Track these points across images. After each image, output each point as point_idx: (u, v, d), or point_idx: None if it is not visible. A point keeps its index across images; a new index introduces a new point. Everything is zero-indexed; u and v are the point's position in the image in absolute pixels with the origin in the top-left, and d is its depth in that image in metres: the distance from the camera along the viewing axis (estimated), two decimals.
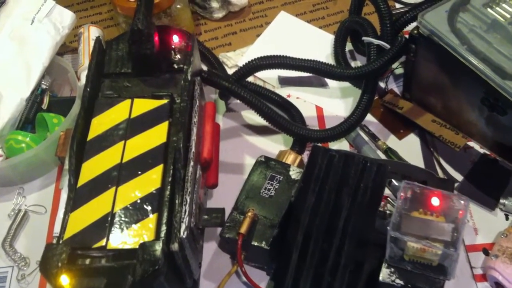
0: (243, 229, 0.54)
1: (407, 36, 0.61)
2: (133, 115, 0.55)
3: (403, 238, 0.45)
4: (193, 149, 0.53)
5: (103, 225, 0.47)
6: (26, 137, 0.66)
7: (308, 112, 0.68)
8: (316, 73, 0.64)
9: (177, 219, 0.48)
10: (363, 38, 0.65)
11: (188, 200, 0.49)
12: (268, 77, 0.73)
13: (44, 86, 0.71)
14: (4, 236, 0.63)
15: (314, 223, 0.52)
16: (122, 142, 0.53)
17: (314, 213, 0.53)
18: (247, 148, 0.68)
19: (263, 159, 0.60)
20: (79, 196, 0.49)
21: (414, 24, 0.62)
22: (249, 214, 0.55)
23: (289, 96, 0.71)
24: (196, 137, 0.54)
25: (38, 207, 0.65)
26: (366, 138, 0.65)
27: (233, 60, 0.76)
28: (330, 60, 0.74)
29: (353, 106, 0.69)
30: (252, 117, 0.70)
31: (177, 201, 0.49)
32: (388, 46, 0.62)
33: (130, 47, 0.57)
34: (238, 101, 0.67)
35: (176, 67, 0.59)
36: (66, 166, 0.54)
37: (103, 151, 0.52)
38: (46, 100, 0.70)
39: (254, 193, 0.57)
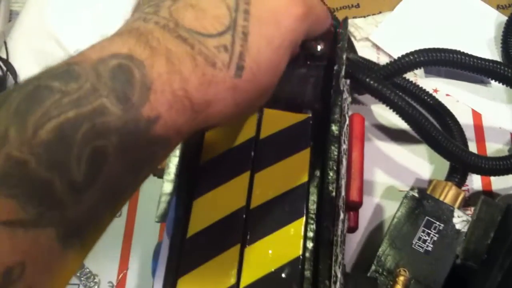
0: None
1: None
2: (263, 133, 0.39)
3: None
4: (343, 193, 0.38)
5: None
6: None
7: (461, 118, 0.51)
8: (497, 79, 0.47)
9: None
10: None
11: (339, 275, 0.36)
12: None
13: None
14: None
15: None
16: (248, 173, 0.38)
17: None
18: (376, 158, 0.52)
19: (417, 195, 0.45)
20: (190, 252, 0.36)
21: None
22: (401, 278, 0.41)
23: (436, 91, 0.55)
24: (346, 173, 0.39)
25: None
26: None
27: (364, 31, 0.58)
28: (493, 46, 0.57)
29: None
30: (384, 114, 0.54)
31: (321, 275, 0.35)
32: None
33: None
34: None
35: (316, 61, 0.42)
36: (165, 189, 0.40)
37: (222, 184, 0.38)
38: None
39: (403, 243, 0.43)
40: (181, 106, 0.24)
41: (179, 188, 0.38)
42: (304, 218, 0.36)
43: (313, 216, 0.37)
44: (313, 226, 0.37)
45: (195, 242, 0.36)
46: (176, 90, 0.24)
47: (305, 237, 0.36)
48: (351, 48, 0.54)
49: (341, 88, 0.40)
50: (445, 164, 0.49)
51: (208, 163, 0.38)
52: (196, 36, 0.25)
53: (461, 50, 0.47)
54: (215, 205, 0.37)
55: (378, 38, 0.58)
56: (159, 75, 0.24)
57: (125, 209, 0.52)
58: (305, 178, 0.38)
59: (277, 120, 0.40)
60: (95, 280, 0.49)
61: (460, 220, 0.44)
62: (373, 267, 0.43)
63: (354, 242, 0.48)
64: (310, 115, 0.40)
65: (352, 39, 0.58)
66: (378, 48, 0.58)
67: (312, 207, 0.37)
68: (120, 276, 0.49)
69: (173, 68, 0.24)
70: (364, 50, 0.57)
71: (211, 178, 0.38)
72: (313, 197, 0.38)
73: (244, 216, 0.36)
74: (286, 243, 0.36)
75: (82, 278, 0.48)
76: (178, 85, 0.24)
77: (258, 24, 0.27)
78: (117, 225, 0.51)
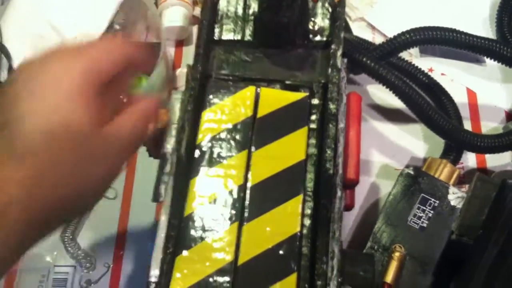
0: (389, 277, 0.41)
1: None
2: (261, 113, 0.39)
3: None
4: (340, 170, 0.39)
5: (223, 282, 0.34)
6: None
7: (456, 97, 0.52)
8: (492, 57, 0.47)
9: (321, 282, 0.34)
10: None
11: (336, 251, 0.36)
12: None
13: (117, 27, 0.55)
14: (64, 225, 0.50)
15: (491, 285, 0.39)
16: (245, 152, 0.38)
17: (493, 272, 0.39)
18: (371, 137, 0.53)
19: (412, 172, 0.45)
20: (188, 230, 0.36)
21: None
22: (397, 254, 0.42)
23: (431, 70, 0.55)
24: (343, 151, 0.39)
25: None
26: None
27: (359, 12, 0.58)
28: (487, 25, 0.57)
29: None
30: (379, 94, 0.54)
31: (318, 251, 0.35)
32: None
33: (262, 12, 0.41)
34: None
35: (313, 40, 0.42)
36: (168, 168, 0.40)
37: (220, 163, 0.38)
38: None
39: (399, 219, 0.44)
40: None
41: (176, 167, 0.38)
42: (301, 196, 0.37)
43: (311, 194, 0.37)
44: (310, 204, 0.37)
45: (193, 220, 0.36)
46: None
47: (303, 215, 0.36)
48: (346, 28, 0.54)
49: (339, 67, 0.40)
50: (439, 143, 0.49)
51: (205, 142, 0.38)
52: None
53: (457, 29, 0.47)
54: (211, 184, 0.37)
55: (373, 18, 0.57)
56: None
57: (120, 190, 0.52)
58: (302, 156, 0.38)
59: (274, 99, 0.40)
60: (91, 261, 0.49)
61: (455, 197, 0.44)
62: (368, 244, 0.43)
63: (350, 220, 0.49)
64: (308, 94, 0.40)
65: (347, 19, 0.58)
66: (373, 28, 0.58)
67: (310, 184, 0.37)
68: (117, 257, 0.49)
69: None
70: (359, 30, 0.57)
71: (206, 158, 0.38)
72: (310, 175, 0.38)
73: (242, 194, 0.37)
74: (284, 221, 0.36)
75: (79, 258, 0.48)
76: None
77: None
78: (113, 206, 0.51)
